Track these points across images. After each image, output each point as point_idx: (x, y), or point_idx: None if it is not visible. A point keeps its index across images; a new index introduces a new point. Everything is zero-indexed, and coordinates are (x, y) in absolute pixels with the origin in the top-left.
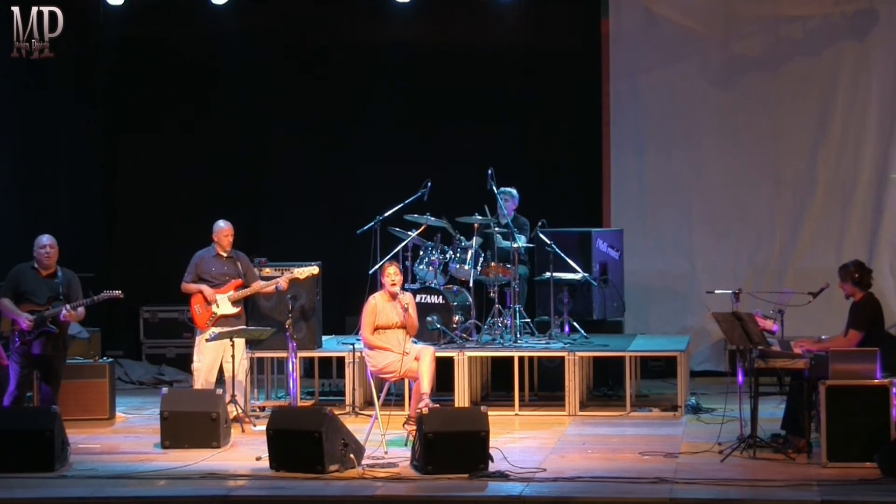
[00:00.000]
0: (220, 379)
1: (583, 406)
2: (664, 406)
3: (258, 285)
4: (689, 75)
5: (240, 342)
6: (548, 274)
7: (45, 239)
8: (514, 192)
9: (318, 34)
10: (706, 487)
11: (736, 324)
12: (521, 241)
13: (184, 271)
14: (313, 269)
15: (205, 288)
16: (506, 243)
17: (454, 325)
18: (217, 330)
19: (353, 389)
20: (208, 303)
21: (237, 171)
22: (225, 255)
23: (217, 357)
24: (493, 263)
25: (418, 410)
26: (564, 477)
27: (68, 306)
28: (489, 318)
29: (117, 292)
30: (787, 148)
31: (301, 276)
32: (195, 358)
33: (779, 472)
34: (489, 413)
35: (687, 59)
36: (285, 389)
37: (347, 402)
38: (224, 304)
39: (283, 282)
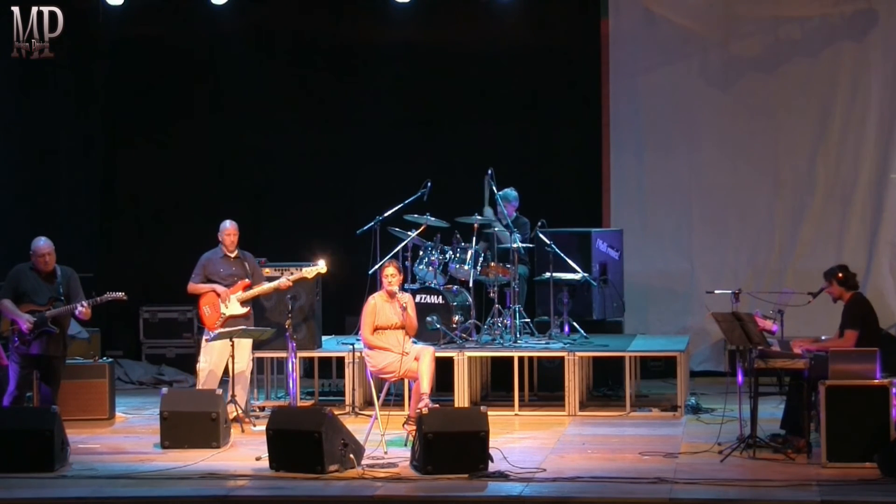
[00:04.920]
0: (224, 379)
1: (582, 406)
2: (664, 406)
3: (263, 286)
4: (689, 75)
5: (246, 342)
6: (547, 274)
7: (43, 246)
8: (513, 193)
9: (318, 34)
10: (706, 487)
11: (736, 324)
12: (517, 241)
13: (183, 271)
14: (321, 269)
15: (218, 287)
16: (506, 245)
17: (454, 325)
18: (217, 330)
19: (353, 389)
20: (219, 302)
21: (237, 170)
22: (232, 255)
23: (223, 357)
24: (492, 263)
25: (418, 410)
26: (564, 477)
27: (85, 302)
28: (489, 318)
29: (120, 294)
30: (787, 148)
31: (309, 276)
32: (201, 358)
33: (778, 473)
34: (489, 413)
35: (686, 59)
36: (285, 389)
37: (347, 402)
38: (233, 305)
39: (283, 283)
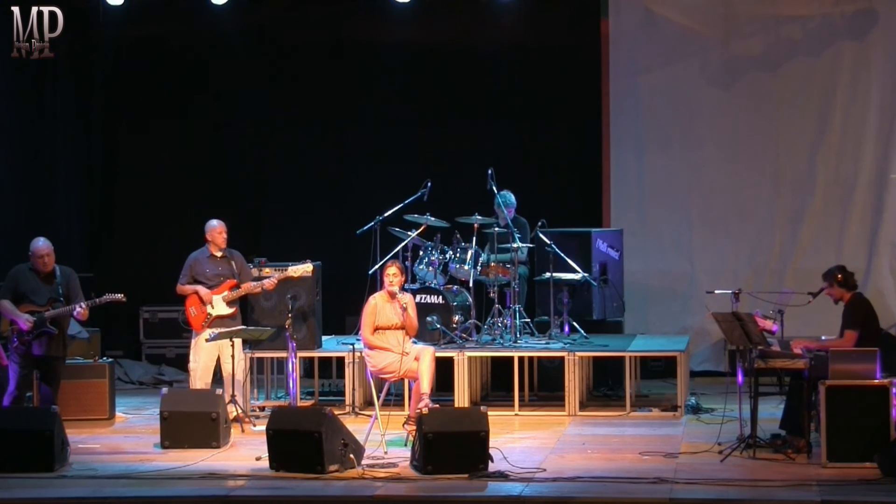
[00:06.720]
0: (218, 379)
1: (583, 406)
2: (664, 406)
3: (249, 286)
4: (689, 75)
5: (237, 342)
6: (548, 274)
7: (42, 247)
8: (511, 195)
9: (318, 34)
10: (706, 487)
11: (736, 324)
12: (520, 244)
13: None
14: (307, 268)
15: (200, 289)
16: (505, 256)
17: (454, 325)
18: (216, 330)
19: (353, 389)
20: (203, 304)
21: (237, 170)
22: (219, 254)
23: (213, 357)
24: (492, 263)
25: (418, 410)
26: (564, 477)
27: (84, 304)
28: (489, 318)
29: (119, 295)
30: (787, 148)
31: (295, 275)
32: (191, 358)
33: (778, 472)
34: (489, 413)
35: (687, 59)
36: (285, 389)
37: (347, 402)
38: (219, 305)
39: (268, 283)
